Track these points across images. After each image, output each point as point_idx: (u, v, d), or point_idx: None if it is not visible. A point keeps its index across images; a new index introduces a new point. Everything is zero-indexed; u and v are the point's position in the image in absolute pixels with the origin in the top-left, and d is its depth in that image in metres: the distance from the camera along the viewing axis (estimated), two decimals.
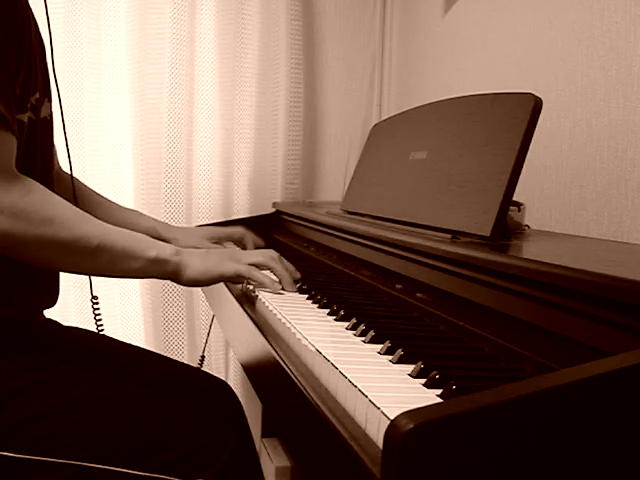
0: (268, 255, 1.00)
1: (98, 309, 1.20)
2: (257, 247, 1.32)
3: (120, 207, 1.24)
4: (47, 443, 0.81)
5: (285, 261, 1.02)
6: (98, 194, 1.23)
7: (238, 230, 1.33)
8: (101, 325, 1.20)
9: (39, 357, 0.90)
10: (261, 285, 0.97)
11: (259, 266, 0.99)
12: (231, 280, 0.99)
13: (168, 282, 1.81)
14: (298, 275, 1.03)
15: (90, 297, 1.19)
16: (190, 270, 0.95)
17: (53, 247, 0.85)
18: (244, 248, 1.32)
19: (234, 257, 0.98)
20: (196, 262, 0.95)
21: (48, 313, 1.07)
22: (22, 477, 0.81)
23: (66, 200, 0.89)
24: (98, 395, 0.88)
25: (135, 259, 0.90)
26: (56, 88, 1.08)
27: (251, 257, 0.99)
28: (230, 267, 0.96)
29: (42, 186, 0.86)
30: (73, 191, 1.10)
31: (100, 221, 0.91)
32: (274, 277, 0.99)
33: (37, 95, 0.94)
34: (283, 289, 0.98)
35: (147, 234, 0.97)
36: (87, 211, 0.91)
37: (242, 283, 1.02)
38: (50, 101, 1.01)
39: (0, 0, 0.82)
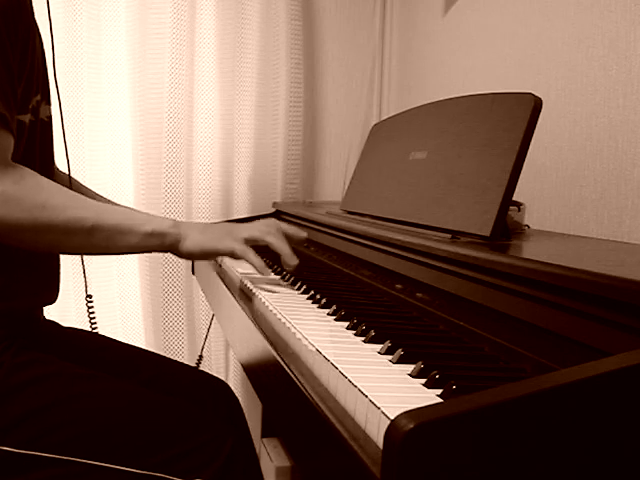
0: (266, 229, 0.99)
1: (92, 307, 1.20)
2: None
3: (115, 204, 1.24)
4: (46, 439, 0.82)
5: (287, 231, 1.01)
6: (96, 194, 1.23)
7: None
8: (95, 323, 1.20)
9: (41, 353, 0.90)
10: (252, 265, 0.97)
11: (257, 241, 0.98)
12: (226, 256, 0.99)
13: (168, 283, 1.81)
14: (304, 235, 1.02)
15: (85, 296, 1.19)
16: (189, 242, 0.95)
17: (48, 231, 0.85)
18: None
19: (232, 233, 0.98)
20: (196, 235, 0.96)
21: (48, 314, 1.07)
22: (20, 473, 0.81)
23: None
24: (98, 392, 0.89)
25: (132, 234, 0.91)
26: (57, 92, 1.08)
27: (248, 231, 0.99)
28: (227, 244, 0.96)
29: (34, 172, 0.86)
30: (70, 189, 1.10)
31: (93, 201, 0.91)
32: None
33: (38, 97, 0.94)
34: (282, 270, 0.97)
35: None
36: None
37: (238, 259, 1.01)
38: (49, 103, 1.01)
39: (6, 3, 0.83)
